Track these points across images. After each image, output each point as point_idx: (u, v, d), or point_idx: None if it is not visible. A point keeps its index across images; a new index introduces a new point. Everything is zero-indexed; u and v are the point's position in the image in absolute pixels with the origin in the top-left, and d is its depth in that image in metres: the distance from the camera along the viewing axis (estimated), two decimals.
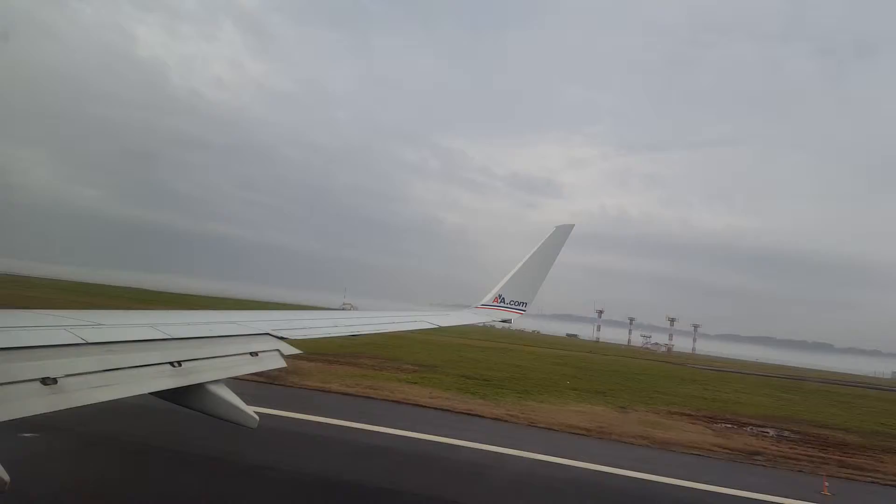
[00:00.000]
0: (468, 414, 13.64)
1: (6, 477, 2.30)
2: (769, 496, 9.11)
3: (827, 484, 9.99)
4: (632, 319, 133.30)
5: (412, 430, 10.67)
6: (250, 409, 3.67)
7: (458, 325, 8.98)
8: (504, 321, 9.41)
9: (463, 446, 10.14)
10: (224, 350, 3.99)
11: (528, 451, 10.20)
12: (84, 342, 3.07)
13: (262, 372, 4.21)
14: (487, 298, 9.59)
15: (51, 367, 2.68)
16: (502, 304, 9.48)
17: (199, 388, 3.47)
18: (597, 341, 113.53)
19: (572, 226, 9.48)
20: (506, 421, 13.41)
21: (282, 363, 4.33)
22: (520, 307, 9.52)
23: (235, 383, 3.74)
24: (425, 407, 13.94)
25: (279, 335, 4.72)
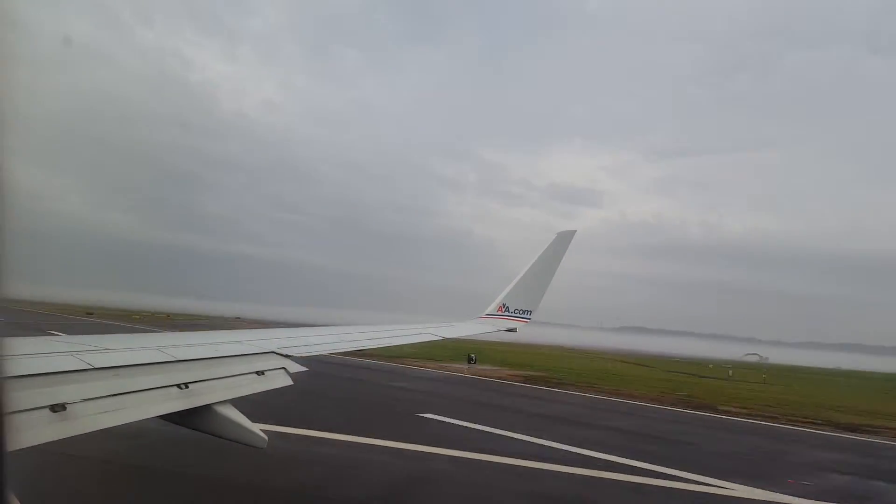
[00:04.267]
0: None
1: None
2: None
3: None
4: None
5: None
6: (258, 430, 3.68)
7: (464, 337, 8.97)
8: (509, 330, 9.39)
9: None
10: (230, 370, 4.01)
11: None
12: (91, 367, 3.10)
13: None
14: (492, 308, 9.57)
15: (59, 393, 2.70)
16: (507, 313, 9.46)
17: (206, 409, 3.49)
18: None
19: (573, 232, 9.49)
20: None
21: (288, 381, 4.34)
22: (524, 315, 9.50)
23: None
24: None
25: (284, 353, 4.74)
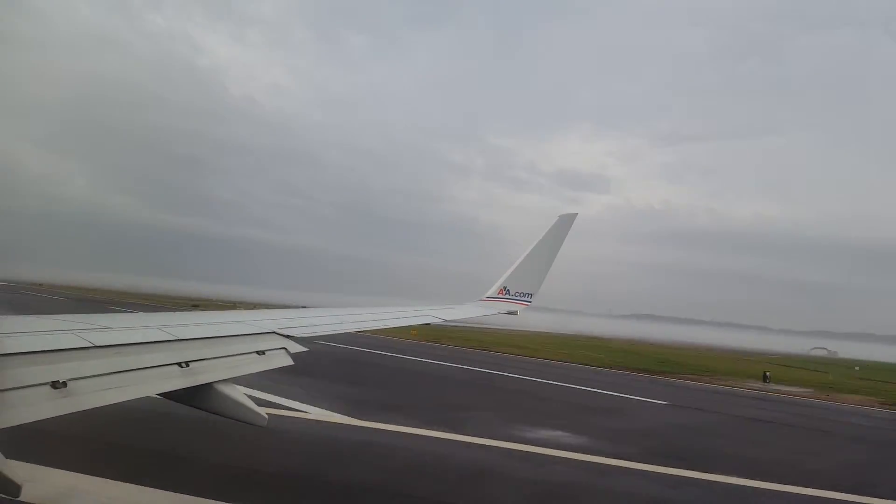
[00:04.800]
0: None
1: (19, 481, 2.33)
2: None
3: None
4: None
5: None
6: (259, 408, 3.71)
7: (465, 319, 8.99)
8: (510, 313, 9.39)
9: None
10: (231, 349, 4.03)
11: None
12: (92, 345, 3.11)
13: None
14: (492, 291, 9.56)
15: (60, 370, 2.72)
16: (507, 296, 9.45)
17: (207, 387, 3.51)
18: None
19: (575, 214, 9.42)
20: None
21: (289, 361, 4.36)
22: (525, 298, 9.50)
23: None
24: None
25: (285, 333, 4.76)
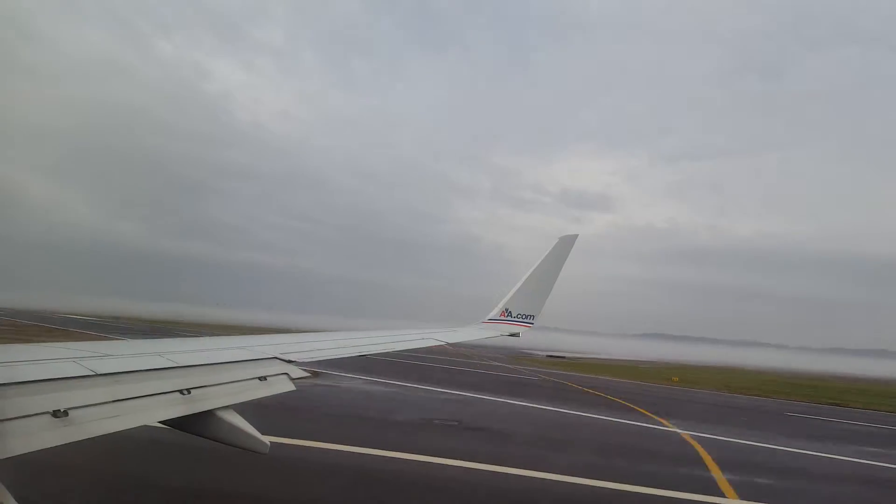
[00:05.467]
0: None
1: None
2: None
3: None
4: None
5: None
6: (261, 435, 3.66)
7: (468, 342, 8.93)
8: (512, 335, 9.34)
9: None
10: (232, 376, 3.99)
11: None
12: (93, 373, 3.09)
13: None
14: (494, 313, 9.53)
15: (60, 399, 2.70)
16: (509, 318, 9.42)
17: (208, 414, 3.47)
18: None
19: (576, 236, 9.46)
20: None
21: (291, 387, 4.32)
22: (527, 320, 9.46)
23: None
24: None
25: (287, 358, 4.72)
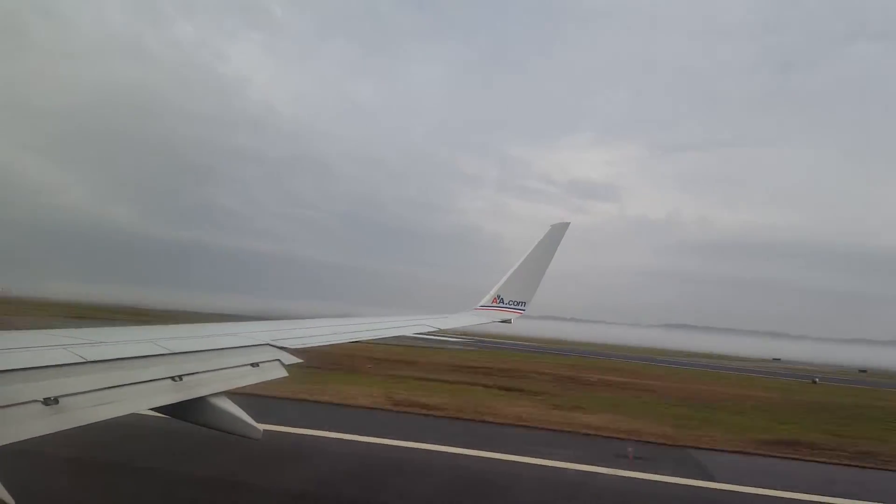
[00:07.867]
0: None
1: (10, 501, 2.30)
2: None
3: None
4: None
5: None
6: (253, 421, 3.67)
7: (459, 328, 8.99)
8: (504, 321, 9.42)
9: None
10: (224, 362, 3.99)
11: None
12: (84, 361, 3.08)
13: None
14: (486, 299, 9.59)
15: (52, 387, 2.69)
16: (501, 305, 9.49)
17: (200, 401, 3.47)
18: None
19: (567, 224, 9.49)
20: None
21: (283, 373, 4.33)
22: (519, 307, 9.53)
23: None
24: None
25: (279, 345, 4.72)
